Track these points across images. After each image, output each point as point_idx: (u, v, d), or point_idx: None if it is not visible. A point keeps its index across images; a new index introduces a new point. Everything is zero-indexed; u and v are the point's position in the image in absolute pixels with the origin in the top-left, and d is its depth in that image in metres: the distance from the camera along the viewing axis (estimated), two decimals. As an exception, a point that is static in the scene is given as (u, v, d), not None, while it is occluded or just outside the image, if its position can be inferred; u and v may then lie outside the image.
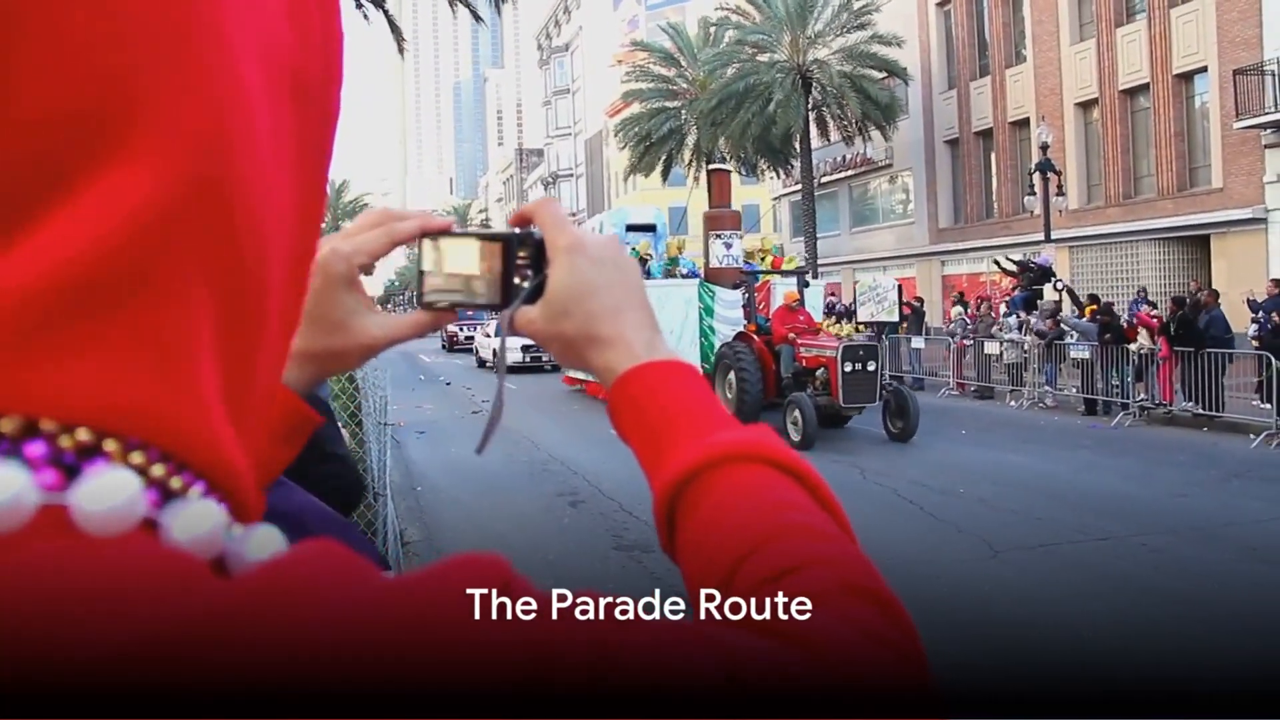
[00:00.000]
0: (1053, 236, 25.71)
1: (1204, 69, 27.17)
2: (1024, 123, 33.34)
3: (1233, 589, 7.83)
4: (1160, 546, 9.06)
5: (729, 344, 17.57)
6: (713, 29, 43.40)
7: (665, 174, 44.85)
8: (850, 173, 42.59)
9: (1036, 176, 25.91)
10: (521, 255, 0.83)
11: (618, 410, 0.83)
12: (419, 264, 0.87)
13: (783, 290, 18.95)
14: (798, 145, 38.01)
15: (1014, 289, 23.91)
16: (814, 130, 38.19)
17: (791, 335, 16.57)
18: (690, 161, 43.38)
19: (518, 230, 0.85)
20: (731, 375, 16.99)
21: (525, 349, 30.41)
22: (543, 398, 24.37)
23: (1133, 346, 17.54)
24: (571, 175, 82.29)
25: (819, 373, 15.69)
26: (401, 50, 27.17)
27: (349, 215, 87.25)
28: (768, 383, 16.64)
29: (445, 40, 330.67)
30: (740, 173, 43.55)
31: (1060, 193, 27.01)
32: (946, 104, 37.62)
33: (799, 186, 37.32)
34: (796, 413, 15.03)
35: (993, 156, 35.55)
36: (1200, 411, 16.39)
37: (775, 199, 49.48)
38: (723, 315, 19.42)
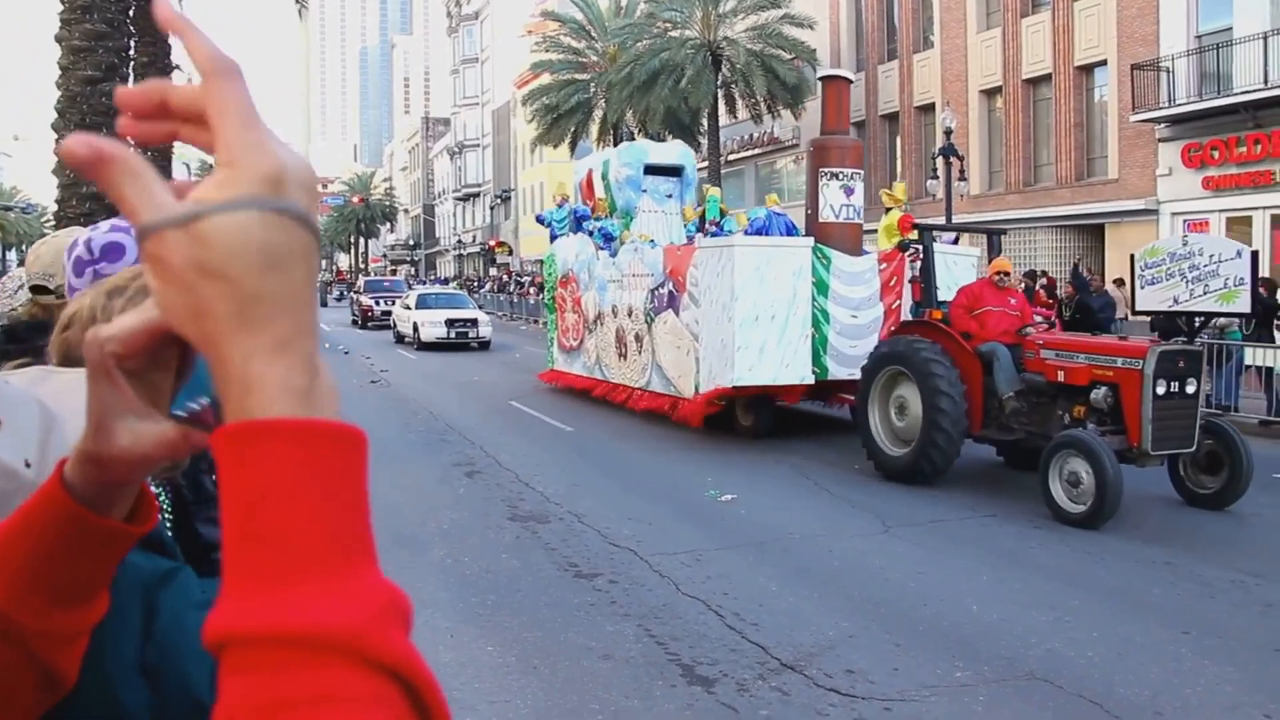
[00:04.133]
0: (954, 221, 26.07)
1: (1104, 62, 27.72)
2: (929, 108, 33.72)
3: (1113, 564, 7.98)
4: (1046, 524, 9.20)
5: (899, 339, 11.47)
6: (624, 2, 43.15)
7: (573, 146, 44.50)
8: (757, 151, 42.69)
9: (940, 161, 26.23)
10: None
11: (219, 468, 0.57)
12: (178, 363, 0.75)
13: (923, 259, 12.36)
14: (706, 122, 38.01)
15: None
16: (722, 108, 38.21)
17: (1028, 330, 10.83)
18: (598, 136, 43.13)
19: None
20: (907, 391, 11.13)
21: (450, 323, 29.15)
22: (447, 370, 24.05)
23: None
24: (478, 145, 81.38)
25: (1098, 394, 9.72)
26: (301, 12, 26.53)
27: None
28: (973, 406, 10.76)
29: (352, 4, 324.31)
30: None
31: (963, 178, 27.41)
32: (854, 86, 37.86)
33: (705, 163, 37.28)
34: (1079, 464, 9.16)
35: (898, 140, 35.92)
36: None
37: (683, 176, 49.37)
38: (841, 295, 13.35)
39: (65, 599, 0.84)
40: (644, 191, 17.77)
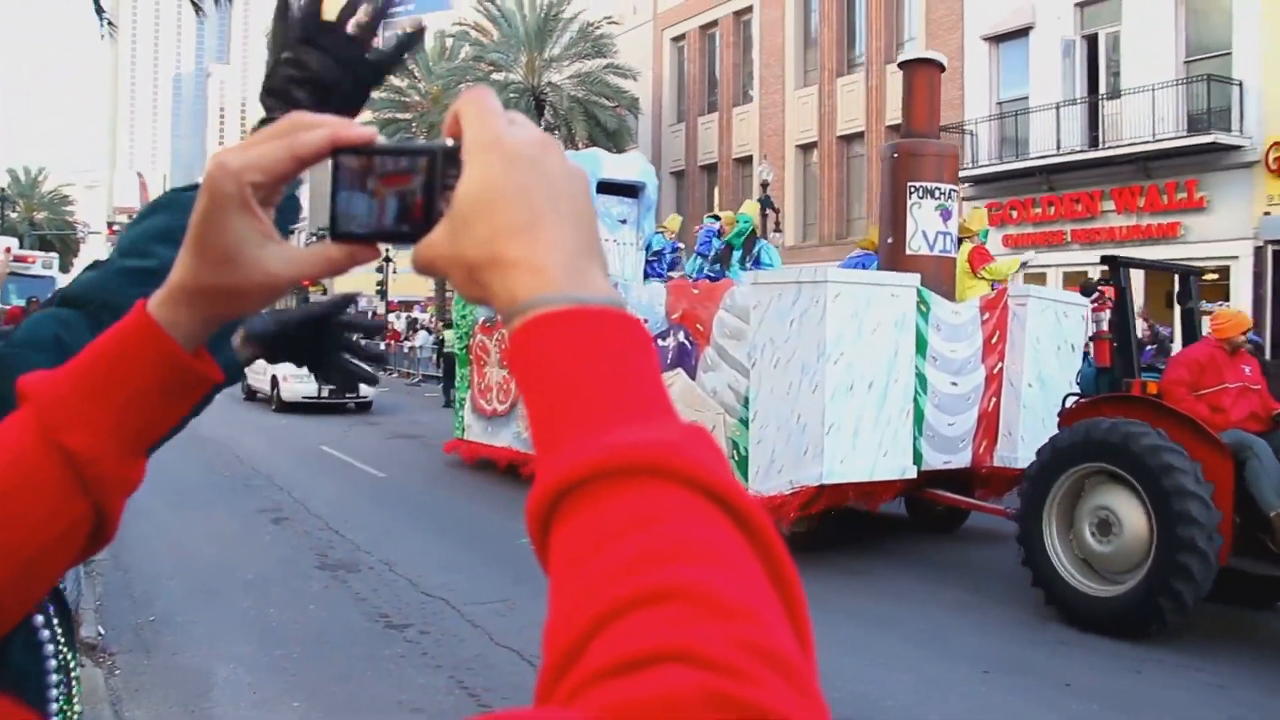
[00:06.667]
0: (770, 271, 26.70)
1: (913, 123, 28.92)
2: (747, 160, 34.56)
3: (920, 608, 8.21)
4: (858, 570, 9.40)
5: (1101, 423, 7.82)
6: (449, 43, 42.97)
7: (393, 186, 43.91)
8: (579, 197, 42.91)
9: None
10: (451, 173, 0.68)
11: (515, 361, 0.61)
12: (331, 185, 0.73)
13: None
14: (529, 166, 38.10)
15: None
16: (545, 152, 38.36)
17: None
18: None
19: (450, 142, 0.69)
20: (1115, 501, 7.72)
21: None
22: (253, 411, 23.31)
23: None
24: (296, 180, 79.58)
25: None
26: (104, 30, 25.30)
27: (47, 206, 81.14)
28: (1222, 523, 7.22)
29: (167, 29, 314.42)
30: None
31: (778, 229, 28.13)
32: (675, 136, 38.58)
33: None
34: None
35: (716, 191, 36.66)
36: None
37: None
38: (942, 354, 9.79)
39: (142, 447, 0.83)
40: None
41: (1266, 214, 20.45)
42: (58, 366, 0.83)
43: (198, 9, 26.15)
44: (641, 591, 0.48)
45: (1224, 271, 21.20)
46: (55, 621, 1.30)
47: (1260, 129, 20.62)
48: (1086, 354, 10.71)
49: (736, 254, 13.26)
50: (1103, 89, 23.80)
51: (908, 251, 10.34)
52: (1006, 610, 8.22)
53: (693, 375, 10.64)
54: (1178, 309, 9.61)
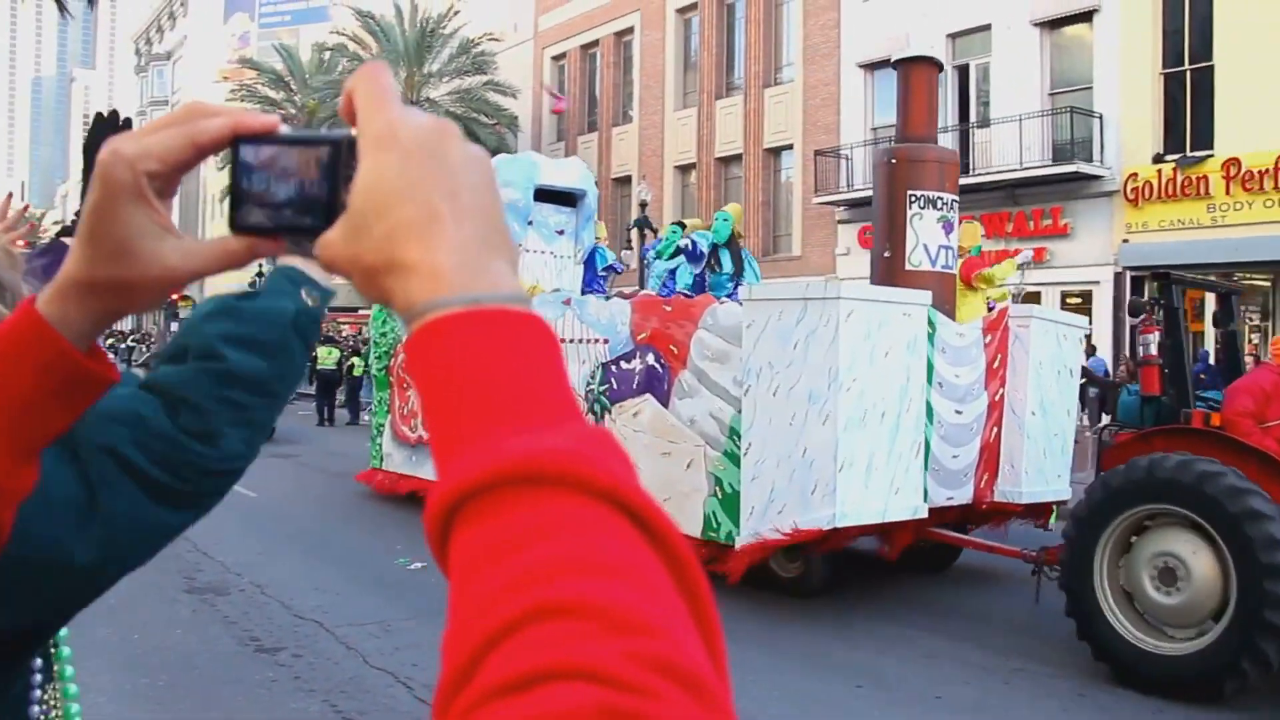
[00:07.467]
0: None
1: (790, 146, 29.42)
2: (627, 180, 34.74)
3: (796, 627, 8.29)
4: (733, 591, 9.46)
5: (1161, 460, 6.87)
6: (327, 55, 42.37)
7: (266, 199, 43.11)
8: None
9: (634, 232, 26.97)
10: (354, 164, 0.65)
11: (413, 367, 0.58)
12: (231, 176, 0.71)
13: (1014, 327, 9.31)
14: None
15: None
16: (423, 168, 38.06)
17: None
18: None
19: (354, 131, 0.66)
20: (1181, 546, 6.78)
21: None
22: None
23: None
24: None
25: None
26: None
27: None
28: None
29: (26, 30, 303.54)
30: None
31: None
32: (554, 155, 38.58)
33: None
34: None
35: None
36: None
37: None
38: (947, 379, 8.83)
39: (32, 451, 0.80)
40: (530, 224, 12.85)
41: (1125, 241, 21.30)
42: (135, 441, 0.86)
43: (63, 9, 25.12)
44: (539, 605, 0.47)
45: (1087, 296, 22.04)
46: (43, 684, 1.22)
47: (1119, 159, 21.50)
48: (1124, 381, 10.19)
49: (725, 257, 12.59)
50: (973, 118, 24.53)
51: (907, 267, 9.37)
52: (878, 625, 8.35)
53: (665, 402, 9.41)
54: (1215, 330, 8.81)
